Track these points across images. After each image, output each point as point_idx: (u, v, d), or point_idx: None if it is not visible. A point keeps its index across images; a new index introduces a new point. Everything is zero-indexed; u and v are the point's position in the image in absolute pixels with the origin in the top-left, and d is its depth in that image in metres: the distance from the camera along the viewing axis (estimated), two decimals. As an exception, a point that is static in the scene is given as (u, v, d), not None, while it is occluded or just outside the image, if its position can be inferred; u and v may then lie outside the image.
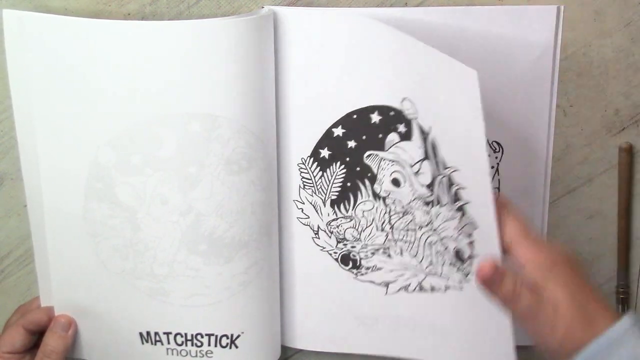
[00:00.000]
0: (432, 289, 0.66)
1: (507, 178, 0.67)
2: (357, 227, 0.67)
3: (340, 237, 0.67)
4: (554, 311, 0.53)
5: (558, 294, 0.53)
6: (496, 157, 0.66)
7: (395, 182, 0.65)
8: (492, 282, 0.54)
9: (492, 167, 0.66)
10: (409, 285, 0.68)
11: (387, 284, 0.68)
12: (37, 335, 0.65)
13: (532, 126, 0.61)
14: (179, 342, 0.66)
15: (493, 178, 0.67)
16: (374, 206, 0.66)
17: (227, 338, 0.66)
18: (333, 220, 0.67)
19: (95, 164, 0.61)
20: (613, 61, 0.65)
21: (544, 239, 0.55)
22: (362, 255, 0.67)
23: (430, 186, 0.62)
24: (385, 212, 0.65)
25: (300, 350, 0.72)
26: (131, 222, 0.63)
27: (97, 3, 0.62)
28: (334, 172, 0.66)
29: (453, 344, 0.69)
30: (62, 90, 0.60)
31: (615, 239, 0.70)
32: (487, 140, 0.65)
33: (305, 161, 0.65)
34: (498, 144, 0.66)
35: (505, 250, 0.56)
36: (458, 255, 0.63)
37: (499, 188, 0.67)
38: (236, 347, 0.66)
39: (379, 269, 0.68)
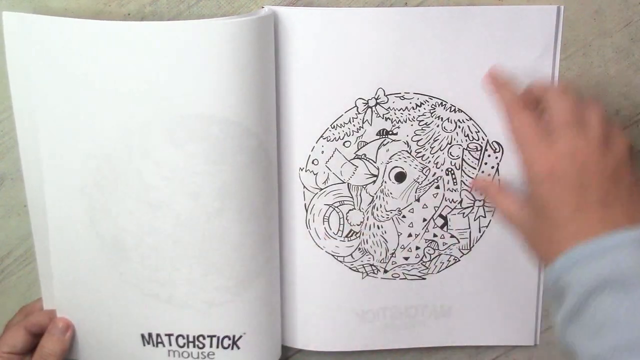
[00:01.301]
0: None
1: (508, 178, 0.67)
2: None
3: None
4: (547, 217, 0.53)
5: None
6: (496, 157, 0.66)
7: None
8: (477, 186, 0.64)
9: (492, 167, 0.67)
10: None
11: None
12: (38, 337, 0.65)
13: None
14: (181, 343, 0.66)
15: (493, 178, 0.67)
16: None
17: (229, 339, 0.66)
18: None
19: (97, 164, 0.61)
20: (613, 61, 0.65)
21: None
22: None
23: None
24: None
25: (300, 350, 0.72)
26: (134, 223, 0.63)
27: (97, 3, 0.62)
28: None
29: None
30: (62, 91, 0.60)
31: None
32: (487, 140, 0.66)
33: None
34: (498, 143, 0.66)
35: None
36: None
37: (499, 188, 0.67)
38: (238, 348, 0.67)
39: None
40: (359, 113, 0.64)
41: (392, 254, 0.68)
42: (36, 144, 0.62)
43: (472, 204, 0.67)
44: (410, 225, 0.68)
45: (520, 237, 0.58)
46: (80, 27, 0.58)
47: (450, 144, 0.66)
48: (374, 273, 0.69)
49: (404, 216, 0.67)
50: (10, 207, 0.68)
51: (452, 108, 0.65)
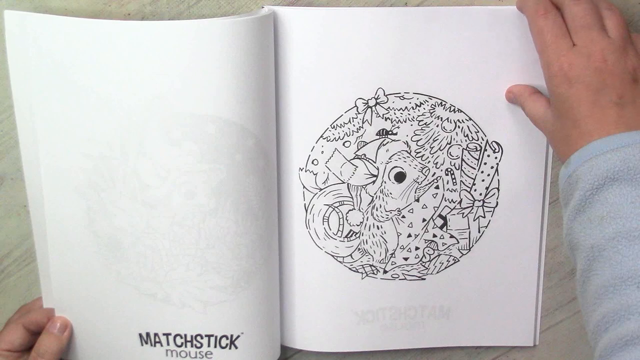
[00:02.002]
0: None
1: (507, 178, 0.67)
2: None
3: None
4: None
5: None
6: (496, 157, 0.66)
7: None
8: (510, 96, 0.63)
9: (492, 167, 0.67)
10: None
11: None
12: (36, 335, 0.65)
13: (532, 126, 0.62)
14: (179, 343, 0.66)
15: (492, 178, 0.67)
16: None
17: (227, 339, 0.66)
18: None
19: (94, 164, 0.61)
20: (613, 61, 0.65)
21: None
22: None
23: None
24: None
25: (300, 350, 0.72)
26: (130, 223, 0.63)
27: (97, 3, 0.62)
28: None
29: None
30: (62, 90, 0.60)
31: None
32: (487, 140, 0.65)
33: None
34: (497, 144, 0.66)
35: None
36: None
37: (498, 188, 0.67)
38: (236, 347, 0.66)
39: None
40: (359, 113, 0.64)
41: (392, 254, 0.68)
42: (36, 143, 0.62)
43: (471, 204, 0.67)
44: (410, 225, 0.68)
45: (547, 138, 0.59)
46: (80, 26, 0.58)
47: (449, 144, 0.66)
48: (373, 273, 0.69)
49: (403, 216, 0.67)
50: (10, 207, 0.68)
51: (452, 108, 0.65)
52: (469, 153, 0.66)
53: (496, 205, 0.68)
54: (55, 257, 0.65)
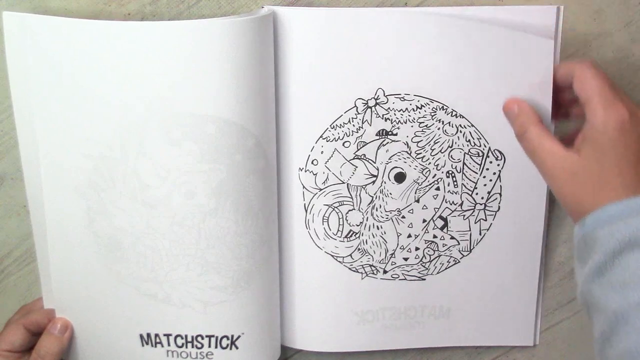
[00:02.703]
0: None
1: (510, 185, 0.67)
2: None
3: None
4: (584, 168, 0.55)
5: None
6: (498, 165, 0.66)
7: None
8: (510, 110, 0.62)
9: (494, 174, 0.66)
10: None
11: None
12: (37, 336, 0.65)
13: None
14: (179, 343, 0.66)
15: (494, 184, 0.67)
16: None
17: (228, 339, 0.66)
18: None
19: (94, 164, 0.61)
20: (613, 61, 0.65)
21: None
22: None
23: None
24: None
25: (300, 350, 0.72)
26: (130, 223, 0.63)
27: (97, 3, 0.62)
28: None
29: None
30: (62, 90, 0.60)
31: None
32: (489, 148, 0.65)
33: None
34: (500, 152, 0.66)
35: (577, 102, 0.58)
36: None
37: (500, 194, 0.67)
38: (236, 348, 0.66)
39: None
40: (359, 113, 0.64)
41: (392, 254, 0.68)
42: (36, 143, 0.62)
43: (472, 207, 0.67)
44: (410, 226, 0.68)
45: (553, 180, 0.57)
46: (80, 27, 0.58)
47: (451, 147, 0.66)
48: (373, 273, 0.69)
49: (403, 217, 0.67)
50: (10, 207, 0.68)
51: (454, 113, 0.65)
52: (471, 158, 0.66)
53: (498, 210, 0.67)
54: (55, 257, 0.65)
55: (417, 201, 0.67)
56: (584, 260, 0.53)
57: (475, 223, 0.68)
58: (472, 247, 0.68)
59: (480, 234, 0.68)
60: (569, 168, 0.56)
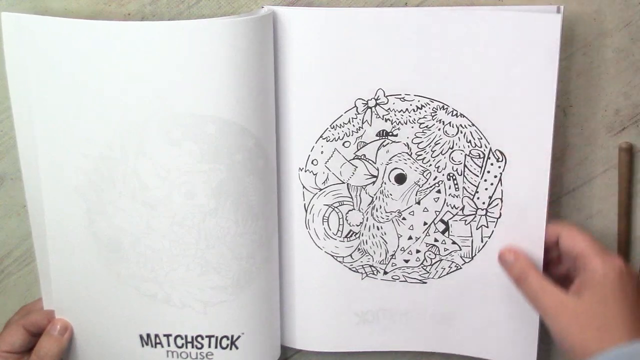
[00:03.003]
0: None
1: (511, 189, 0.66)
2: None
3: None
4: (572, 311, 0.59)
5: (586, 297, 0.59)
6: (499, 167, 0.65)
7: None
8: (506, 259, 0.66)
9: (495, 177, 0.66)
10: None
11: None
12: (37, 337, 0.65)
13: (532, 126, 0.61)
14: (179, 344, 0.66)
15: (495, 189, 0.66)
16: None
17: (228, 339, 0.66)
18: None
19: (93, 164, 0.61)
20: (613, 61, 0.65)
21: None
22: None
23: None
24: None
25: (300, 350, 0.72)
26: (130, 223, 0.63)
27: (97, 3, 0.62)
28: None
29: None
30: (62, 91, 0.60)
31: (615, 239, 0.70)
32: (490, 148, 0.65)
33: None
34: (501, 152, 0.65)
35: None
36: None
37: (502, 199, 0.66)
38: (236, 348, 0.66)
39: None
40: (359, 113, 0.64)
41: (392, 255, 0.68)
42: (35, 144, 0.62)
43: (474, 212, 0.67)
44: (411, 227, 0.68)
45: (556, 321, 0.60)
46: (79, 27, 0.58)
47: (452, 148, 0.65)
48: (373, 274, 0.69)
49: (404, 218, 0.67)
50: (10, 207, 0.68)
51: (454, 112, 0.64)
52: (472, 160, 0.65)
53: (499, 217, 0.66)
54: (55, 258, 0.64)
55: (418, 203, 0.67)
56: None
57: (477, 229, 0.67)
58: (473, 254, 0.68)
59: (482, 240, 0.67)
60: (573, 310, 0.59)
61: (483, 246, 0.68)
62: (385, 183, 0.66)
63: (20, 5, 0.62)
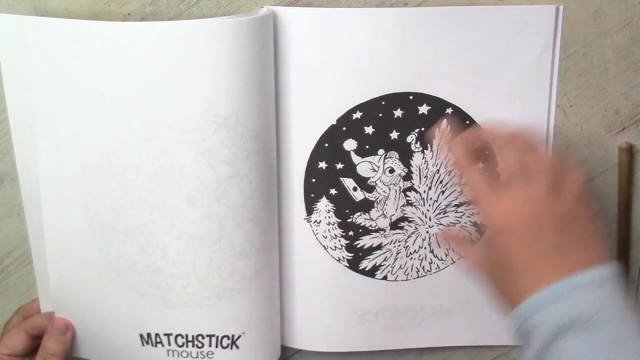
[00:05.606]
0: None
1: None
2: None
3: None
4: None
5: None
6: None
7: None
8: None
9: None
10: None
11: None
12: (38, 340, 0.65)
13: (532, 126, 0.62)
14: (180, 343, 0.66)
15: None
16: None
17: (228, 339, 0.66)
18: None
19: (93, 164, 0.61)
20: (613, 61, 0.65)
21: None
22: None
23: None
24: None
25: (300, 350, 0.72)
26: (132, 224, 0.63)
27: (97, 3, 0.62)
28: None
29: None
30: (61, 91, 0.60)
31: (615, 239, 0.70)
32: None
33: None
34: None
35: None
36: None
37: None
38: (237, 347, 0.67)
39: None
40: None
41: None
42: (32, 145, 0.62)
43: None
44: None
45: (486, 284, 0.58)
46: (78, 28, 0.58)
47: None
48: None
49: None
50: (10, 207, 0.68)
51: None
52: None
53: None
54: (54, 258, 0.64)
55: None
56: (523, 350, 0.53)
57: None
58: None
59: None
60: (487, 275, 0.57)
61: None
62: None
63: (21, 6, 0.62)
